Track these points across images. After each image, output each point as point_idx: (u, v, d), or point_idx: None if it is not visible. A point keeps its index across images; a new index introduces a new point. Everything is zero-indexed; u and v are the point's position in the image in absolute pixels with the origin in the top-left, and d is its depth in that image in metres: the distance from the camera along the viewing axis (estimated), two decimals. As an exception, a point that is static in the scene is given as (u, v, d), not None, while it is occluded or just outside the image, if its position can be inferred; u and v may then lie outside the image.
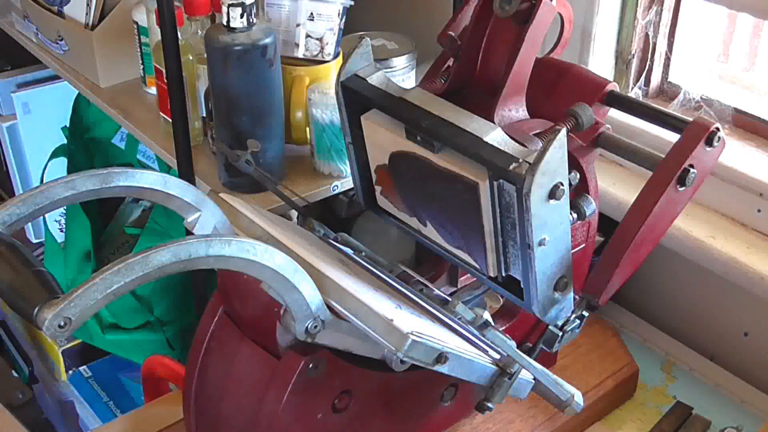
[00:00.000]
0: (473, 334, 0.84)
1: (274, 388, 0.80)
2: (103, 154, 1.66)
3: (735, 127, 1.20)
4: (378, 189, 0.96)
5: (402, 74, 1.23)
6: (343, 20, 1.21)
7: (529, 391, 0.87)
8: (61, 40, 1.50)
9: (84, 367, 1.61)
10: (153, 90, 1.37)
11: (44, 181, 0.71)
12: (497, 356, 0.83)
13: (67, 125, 1.69)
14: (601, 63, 1.27)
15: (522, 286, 0.85)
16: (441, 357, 0.76)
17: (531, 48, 0.83)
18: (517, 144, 0.78)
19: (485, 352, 0.83)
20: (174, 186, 0.77)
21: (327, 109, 1.12)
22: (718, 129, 0.82)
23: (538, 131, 0.85)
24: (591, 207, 0.84)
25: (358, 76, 0.89)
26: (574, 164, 0.84)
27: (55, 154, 1.70)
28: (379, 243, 1.20)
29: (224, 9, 1.06)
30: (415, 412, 0.92)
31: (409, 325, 0.73)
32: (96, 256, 1.54)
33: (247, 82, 1.08)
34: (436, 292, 0.91)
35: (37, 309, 0.59)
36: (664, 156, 0.83)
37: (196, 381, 0.88)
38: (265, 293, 0.72)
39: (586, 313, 0.91)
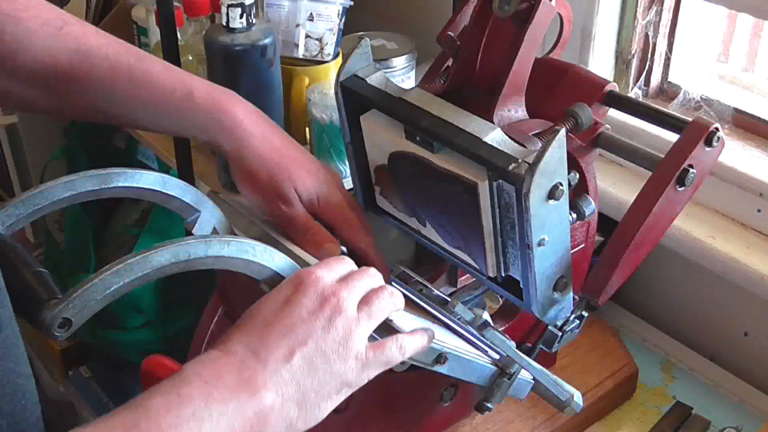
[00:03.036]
0: (473, 335, 0.84)
1: (273, 388, 0.79)
2: (103, 155, 1.66)
3: (735, 127, 1.20)
4: (377, 189, 0.96)
5: (402, 74, 1.23)
6: (343, 20, 1.21)
7: (529, 391, 0.87)
8: (61, 40, 1.50)
9: (84, 367, 1.61)
10: (153, 90, 1.36)
11: (44, 182, 0.71)
12: (497, 356, 0.83)
13: (68, 125, 1.69)
14: (601, 63, 1.27)
15: (521, 286, 0.85)
16: (440, 357, 0.76)
17: (530, 48, 0.83)
18: (516, 144, 0.78)
19: (485, 352, 0.83)
20: (173, 186, 0.77)
21: (326, 109, 1.12)
22: (717, 129, 0.82)
23: (537, 131, 0.85)
24: (590, 207, 0.84)
25: (358, 77, 0.89)
26: (573, 164, 0.84)
27: (55, 155, 1.70)
28: (379, 243, 1.20)
29: (224, 9, 1.06)
30: (415, 412, 0.92)
31: (408, 326, 0.73)
32: (96, 256, 1.54)
33: (247, 83, 1.08)
34: (436, 292, 0.91)
35: (36, 310, 0.60)
36: (663, 156, 0.83)
37: (196, 381, 0.88)
38: (264, 293, 0.72)
39: (585, 314, 0.91)
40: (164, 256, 0.62)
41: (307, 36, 1.19)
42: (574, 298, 0.88)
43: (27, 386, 0.59)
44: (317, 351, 0.64)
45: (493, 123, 0.82)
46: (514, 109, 0.86)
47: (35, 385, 0.61)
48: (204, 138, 0.84)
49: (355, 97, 0.89)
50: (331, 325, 0.66)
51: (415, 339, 0.72)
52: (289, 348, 0.63)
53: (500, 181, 0.78)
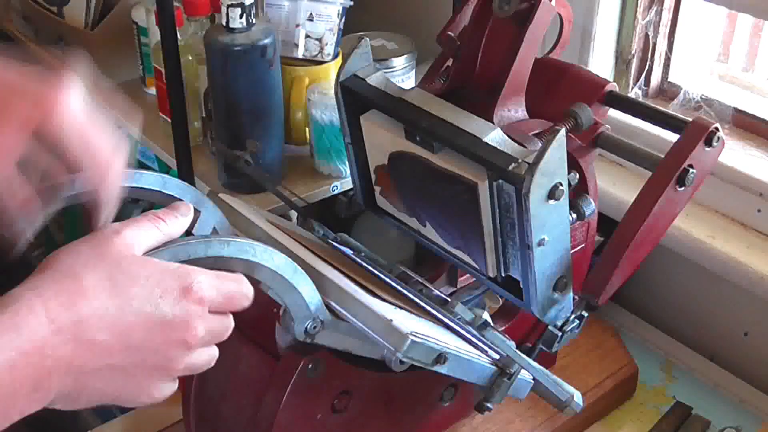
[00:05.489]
0: (472, 335, 0.84)
1: (273, 388, 0.80)
2: (103, 155, 1.66)
3: (735, 127, 1.20)
4: (377, 189, 0.96)
5: (402, 74, 1.23)
6: (343, 20, 1.21)
7: (529, 391, 0.87)
8: (60, 40, 1.50)
9: (84, 367, 1.60)
10: (153, 90, 1.36)
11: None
12: (496, 356, 0.83)
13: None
14: (601, 63, 1.27)
15: (521, 286, 0.85)
16: (440, 357, 0.76)
17: (530, 48, 0.83)
18: (516, 144, 0.78)
19: (484, 352, 0.83)
20: (173, 187, 0.77)
21: (326, 109, 1.12)
22: (717, 129, 0.82)
23: (537, 131, 0.85)
24: (590, 207, 0.84)
25: (358, 77, 0.89)
26: (573, 164, 0.84)
27: (55, 155, 1.70)
28: (379, 243, 1.20)
29: (224, 9, 1.06)
30: (415, 413, 0.92)
31: (408, 326, 0.73)
32: (96, 256, 1.54)
33: (247, 83, 1.08)
34: (436, 292, 0.91)
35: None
36: (663, 156, 0.83)
37: (196, 381, 0.88)
38: (264, 294, 0.72)
39: (585, 314, 0.90)
40: (164, 257, 0.62)
41: (307, 36, 1.19)
42: (574, 298, 0.88)
43: None
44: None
45: (493, 123, 0.82)
46: (514, 109, 0.86)
47: None
48: None
49: (355, 97, 0.89)
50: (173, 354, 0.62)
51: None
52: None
53: (500, 181, 0.78)
